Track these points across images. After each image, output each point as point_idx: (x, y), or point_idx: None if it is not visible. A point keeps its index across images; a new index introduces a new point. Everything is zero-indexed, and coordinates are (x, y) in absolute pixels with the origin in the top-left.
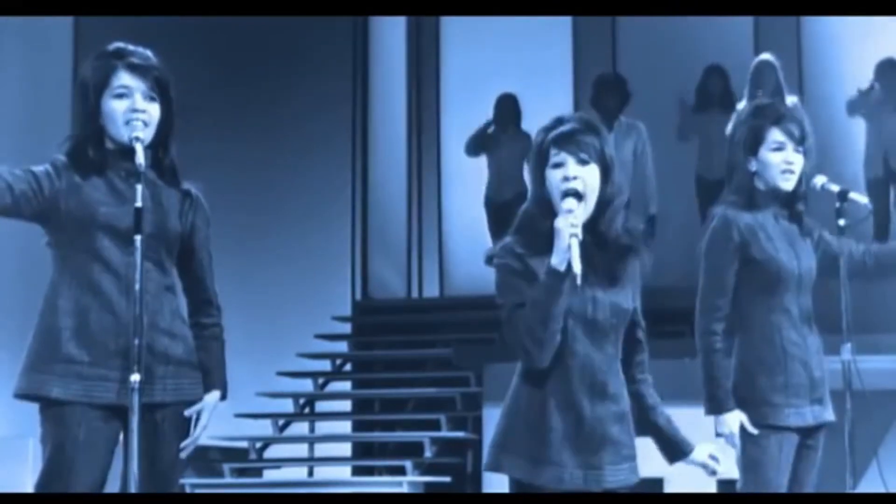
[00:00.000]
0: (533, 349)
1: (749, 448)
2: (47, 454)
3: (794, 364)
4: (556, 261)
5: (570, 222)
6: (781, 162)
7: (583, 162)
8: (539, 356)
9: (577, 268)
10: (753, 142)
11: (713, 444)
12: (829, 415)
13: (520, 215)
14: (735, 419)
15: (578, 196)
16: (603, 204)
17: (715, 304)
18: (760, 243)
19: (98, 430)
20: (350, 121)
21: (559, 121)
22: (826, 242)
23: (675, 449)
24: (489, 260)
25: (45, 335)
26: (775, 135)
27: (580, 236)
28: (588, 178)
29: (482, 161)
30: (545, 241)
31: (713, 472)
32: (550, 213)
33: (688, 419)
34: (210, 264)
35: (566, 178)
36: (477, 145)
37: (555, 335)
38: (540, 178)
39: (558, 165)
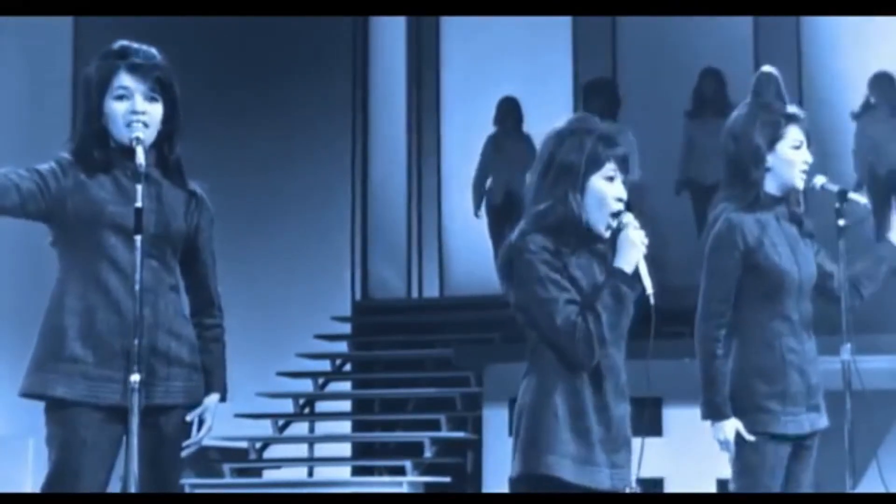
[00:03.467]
0: (596, 351)
1: (744, 453)
2: (54, 456)
3: (792, 372)
4: (629, 268)
5: (642, 239)
6: (801, 161)
7: (625, 183)
8: (596, 358)
9: (650, 286)
10: (772, 137)
11: None
12: (824, 421)
13: (551, 215)
14: (731, 427)
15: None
16: None
17: (718, 310)
18: (765, 249)
19: (103, 431)
20: (350, 121)
21: (608, 131)
22: (822, 258)
23: None
24: (511, 250)
25: (50, 334)
26: (795, 132)
27: (645, 252)
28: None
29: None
30: (578, 244)
31: None
32: (581, 219)
33: (688, 419)
34: (213, 265)
35: (619, 199)
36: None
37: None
38: (581, 185)
39: (611, 179)
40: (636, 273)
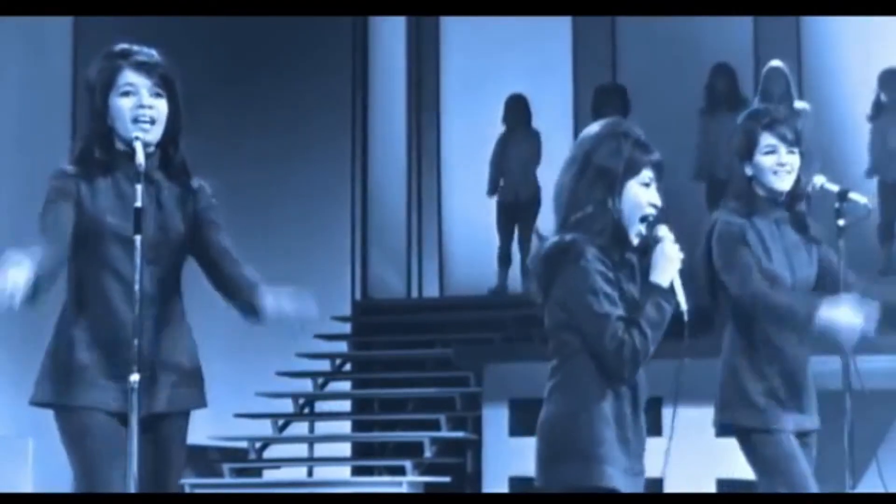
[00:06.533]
0: (640, 367)
1: (761, 449)
2: (76, 464)
3: (784, 372)
4: (666, 283)
5: (678, 254)
6: (774, 164)
7: (659, 190)
8: (637, 374)
9: (684, 302)
10: (747, 147)
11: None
12: (817, 421)
13: (597, 222)
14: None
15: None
16: None
17: (761, 285)
18: (756, 254)
19: (115, 437)
20: (350, 121)
21: (642, 140)
22: (828, 262)
23: None
24: (560, 252)
25: (60, 344)
26: (767, 139)
27: (681, 266)
28: None
29: (482, 161)
30: (620, 253)
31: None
32: (620, 226)
33: (688, 419)
34: (230, 245)
35: (653, 206)
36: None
37: None
38: (619, 189)
39: (647, 185)
40: (671, 288)
